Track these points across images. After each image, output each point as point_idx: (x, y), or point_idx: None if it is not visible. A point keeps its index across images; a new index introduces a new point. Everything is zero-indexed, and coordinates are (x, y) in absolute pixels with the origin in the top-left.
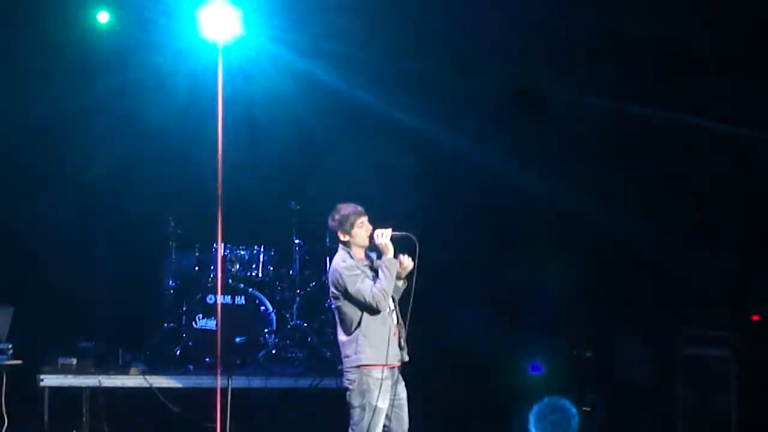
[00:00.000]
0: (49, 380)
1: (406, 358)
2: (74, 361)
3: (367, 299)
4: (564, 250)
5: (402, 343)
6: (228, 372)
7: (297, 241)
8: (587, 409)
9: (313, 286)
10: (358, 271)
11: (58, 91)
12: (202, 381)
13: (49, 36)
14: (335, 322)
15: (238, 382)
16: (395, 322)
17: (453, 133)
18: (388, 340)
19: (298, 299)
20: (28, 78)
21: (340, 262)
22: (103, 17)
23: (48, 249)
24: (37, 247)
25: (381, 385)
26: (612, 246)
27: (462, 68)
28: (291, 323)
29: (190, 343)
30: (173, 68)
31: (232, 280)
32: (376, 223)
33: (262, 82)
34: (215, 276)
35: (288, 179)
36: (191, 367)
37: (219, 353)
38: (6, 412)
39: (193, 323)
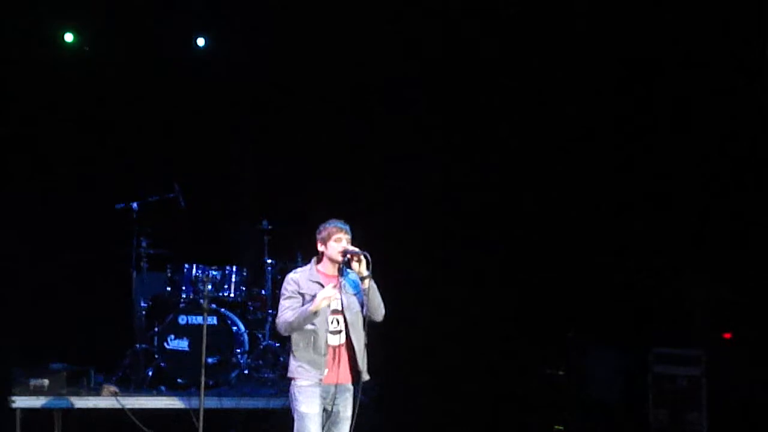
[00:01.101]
0: (20, 402)
1: (365, 378)
2: (46, 382)
3: (277, 319)
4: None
5: (358, 363)
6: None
7: (269, 261)
8: (559, 428)
9: None
10: (292, 289)
11: (28, 107)
12: (174, 402)
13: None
14: None
15: (210, 403)
16: (341, 341)
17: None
18: (318, 358)
19: (270, 319)
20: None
21: (292, 272)
22: (68, 37)
23: (18, 270)
24: (6, 268)
25: (305, 391)
26: (584, 262)
27: None
28: (263, 343)
29: (162, 364)
30: (143, 86)
31: (204, 300)
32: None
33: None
34: (187, 296)
35: (259, 198)
36: (163, 388)
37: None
38: None
39: (165, 344)
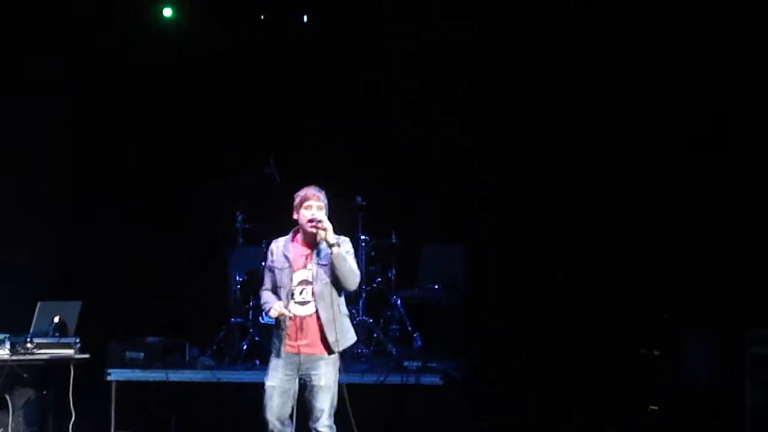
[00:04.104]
0: (116, 374)
1: (338, 349)
2: (141, 355)
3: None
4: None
5: (326, 335)
6: None
7: (363, 237)
8: (654, 408)
9: (379, 282)
10: (268, 261)
11: (133, 91)
12: None
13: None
14: (400, 318)
15: None
16: (309, 312)
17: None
18: (280, 330)
19: (363, 295)
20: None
21: (274, 240)
22: (167, 12)
23: (116, 244)
24: (105, 242)
25: (270, 363)
26: (679, 243)
27: None
28: (357, 319)
29: (257, 339)
30: (238, 60)
31: None
32: None
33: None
34: None
35: (354, 173)
36: (257, 362)
37: None
38: (73, 406)
39: (260, 318)
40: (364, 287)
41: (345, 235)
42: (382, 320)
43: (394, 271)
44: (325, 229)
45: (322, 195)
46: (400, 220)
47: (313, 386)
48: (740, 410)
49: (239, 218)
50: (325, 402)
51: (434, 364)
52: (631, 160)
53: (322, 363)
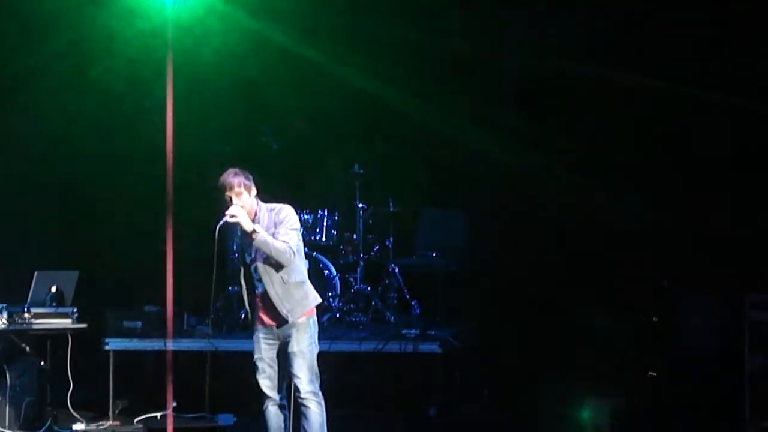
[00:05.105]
0: (114, 344)
1: (292, 320)
2: (139, 324)
3: None
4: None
5: (278, 309)
6: None
7: (360, 205)
8: (653, 375)
9: (377, 250)
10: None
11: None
12: None
13: None
14: (398, 287)
15: None
16: (263, 289)
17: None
18: (251, 306)
19: (361, 263)
20: None
21: None
22: None
23: (113, 213)
24: (101, 212)
25: (254, 337)
26: (680, 209)
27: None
28: (355, 287)
29: None
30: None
31: None
32: None
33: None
34: None
35: (352, 141)
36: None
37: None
38: (71, 376)
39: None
40: (362, 255)
41: (341, 202)
42: (380, 288)
43: (392, 239)
44: (234, 216)
45: (237, 180)
46: (398, 187)
47: (287, 353)
48: (740, 376)
49: None
50: (300, 368)
51: (433, 332)
52: (634, 121)
53: (293, 330)
